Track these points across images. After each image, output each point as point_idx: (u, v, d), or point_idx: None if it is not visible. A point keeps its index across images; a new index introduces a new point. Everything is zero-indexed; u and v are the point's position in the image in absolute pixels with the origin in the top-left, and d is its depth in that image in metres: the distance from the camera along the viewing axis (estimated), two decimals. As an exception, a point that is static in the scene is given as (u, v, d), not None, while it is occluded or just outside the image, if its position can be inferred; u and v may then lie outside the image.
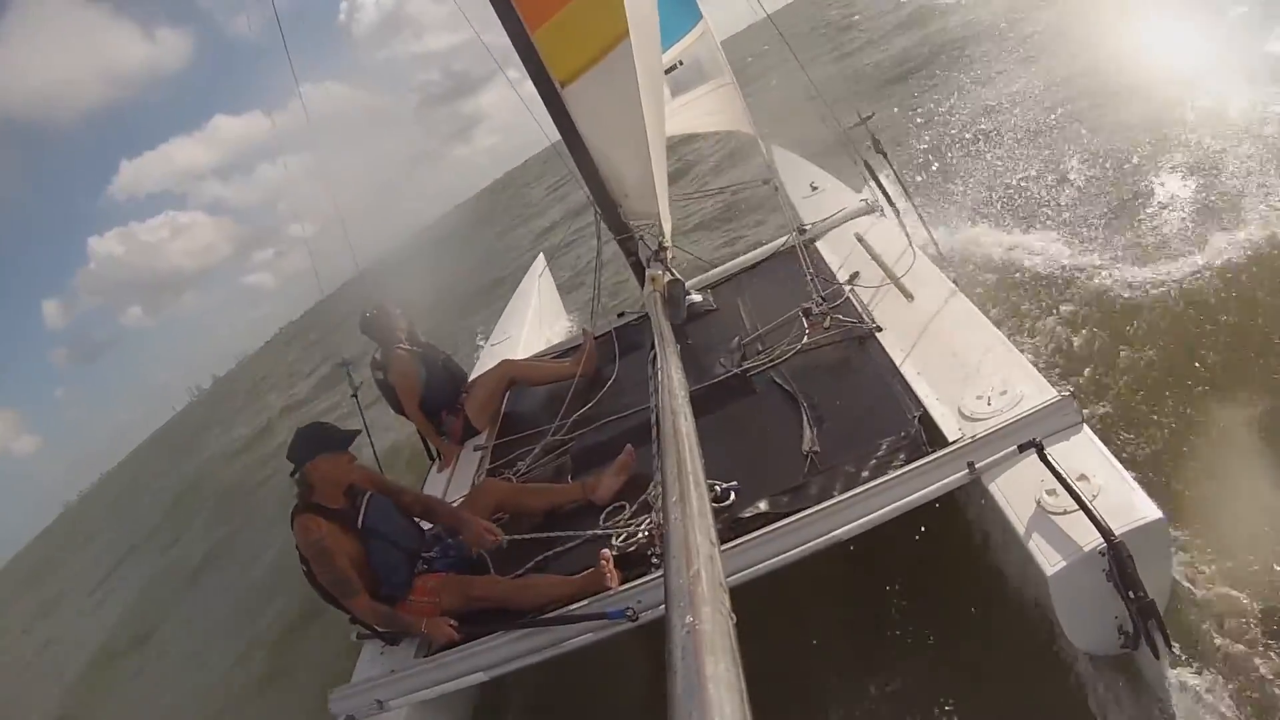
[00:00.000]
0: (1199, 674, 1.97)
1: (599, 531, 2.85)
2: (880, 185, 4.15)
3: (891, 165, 3.90)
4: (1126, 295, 3.40)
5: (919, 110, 8.37)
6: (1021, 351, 2.65)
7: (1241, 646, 2.01)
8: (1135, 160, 4.73)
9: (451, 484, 3.91)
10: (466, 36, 3.96)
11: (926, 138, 7.20)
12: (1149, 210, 4.12)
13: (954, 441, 2.35)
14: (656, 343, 3.09)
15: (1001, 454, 2.24)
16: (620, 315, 4.81)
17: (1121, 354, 3.19)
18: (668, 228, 3.92)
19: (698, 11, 4.68)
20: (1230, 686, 1.93)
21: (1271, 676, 1.93)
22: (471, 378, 4.56)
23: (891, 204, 4.12)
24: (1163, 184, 4.29)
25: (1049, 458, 2.08)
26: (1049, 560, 1.94)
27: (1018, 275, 4.06)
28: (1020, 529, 2.05)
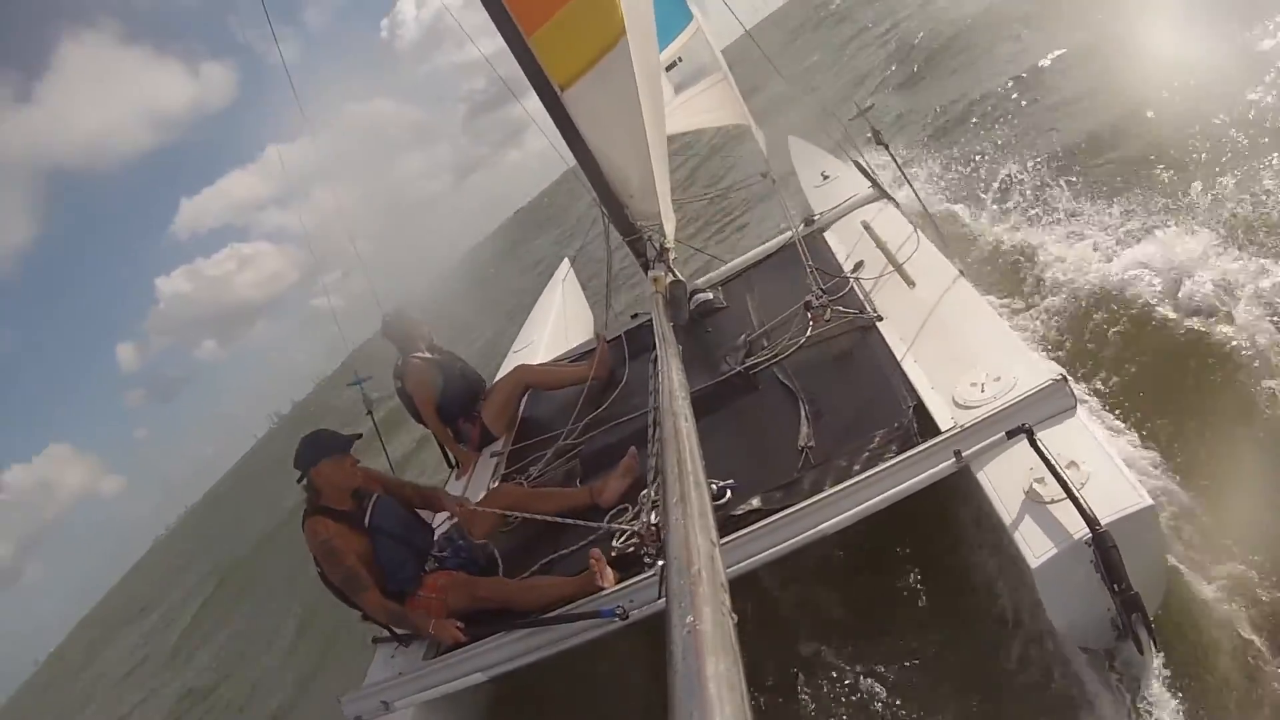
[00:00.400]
0: (1186, 668, 1.91)
1: (601, 531, 2.89)
2: (873, 177, 4.12)
3: (892, 154, 3.87)
4: (1128, 281, 3.36)
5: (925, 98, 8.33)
6: (1022, 336, 2.62)
7: (1232, 639, 1.95)
8: (1137, 146, 4.66)
9: (469, 490, 3.96)
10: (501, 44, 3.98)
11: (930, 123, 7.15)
12: (1148, 196, 4.07)
13: (944, 431, 2.32)
14: (657, 344, 3.11)
15: (988, 442, 2.20)
16: (634, 316, 4.83)
17: (1121, 341, 3.12)
18: (670, 228, 3.92)
19: (689, 10, 4.67)
20: (1218, 681, 1.88)
21: (1265, 669, 1.88)
22: (490, 384, 4.60)
23: (887, 195, 4.10)
24: (1163, 167, 4.23)
25: (1039, 443, 2.03)
26: (1034, 551, 1.90)
27: (1019, 261, 4.00)
28: (1008, 519, 2.01)
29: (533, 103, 4.04)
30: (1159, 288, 3.14)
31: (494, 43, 4.05)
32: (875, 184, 3.89)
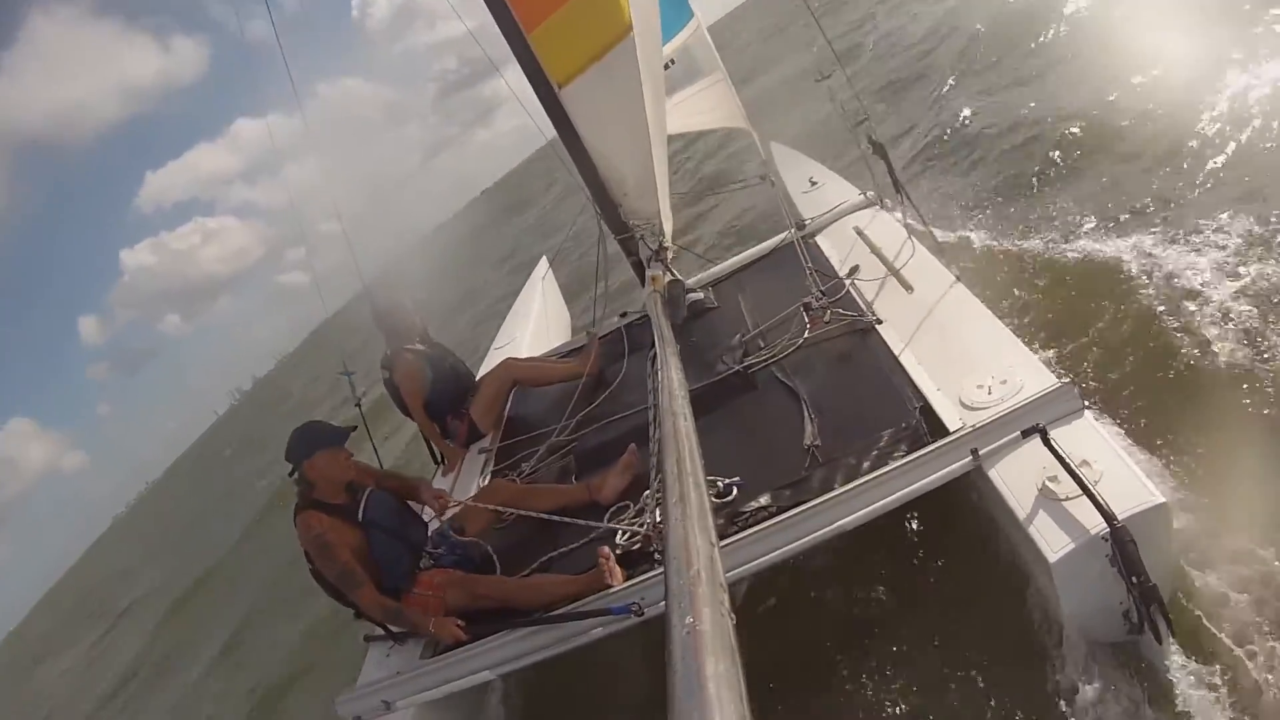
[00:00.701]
0: (1202, 660, 1.96)
1: (603, 528, 2.87)
2: (876, 179, 4.14)
3: (889, 160, 3.89)
4: (1131, 279, 3.40)
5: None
6: (1022, 339, 2.65)
7: (1245, 632, 2.01)
8: (1137, 141, 4.71)
9: (456, 487, 3.92)
10: (480, 20, 3.94)
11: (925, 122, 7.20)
12: (1150, 193, 4.11)
13: (954, 431, 2.36)
14: (656, 343, 3.10)
15: (1003, 440, 2.25)
16: (623, 315, 4.82)
17: (1124, 339, 3.19)
18: (668, 227, 3.93)
19: (689, 9, 4.67)
20: (1233, 672, 1.93)
21: (1275, 662, 1.93)
22: (477, 379, 4.56)
23: (897, 190, 4.11)
24: (1167, 167, 4.28)
25: (1053, 442, 2.09)
26: (1052, 546, 1.95)
27: (1019, 260, 4.05)
28: (1022, 516, 2.06)
29: (511, 75, 4.02)
30: (1160, 289, 3.20)
31: (469, 20, 4.02)
32: (897, 184, 3.91)
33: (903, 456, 2.40)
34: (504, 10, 3.81)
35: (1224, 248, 3.30)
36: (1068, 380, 2.29)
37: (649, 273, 3.93)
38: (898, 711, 2.32)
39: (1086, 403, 2.27)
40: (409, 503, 3.19)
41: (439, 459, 4.29)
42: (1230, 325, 2.91)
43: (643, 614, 2.37)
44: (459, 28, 3.86)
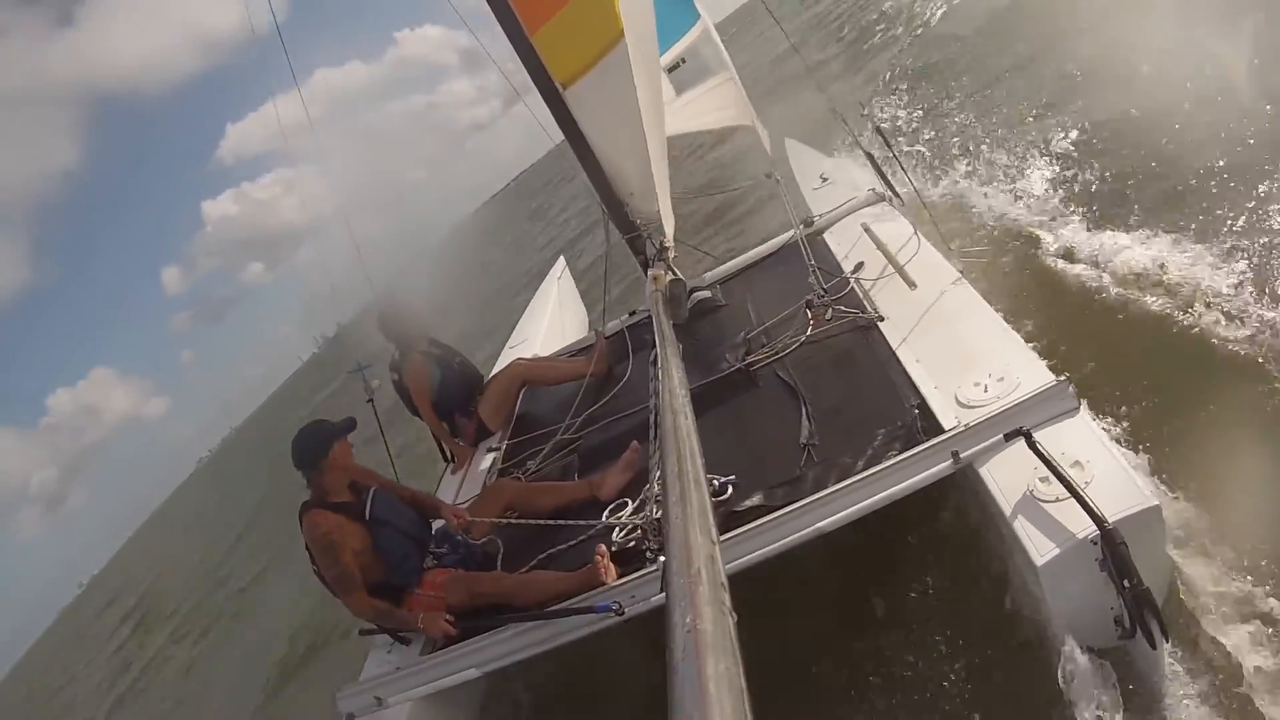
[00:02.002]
0: (1195, 664, 1.94)
1: (601, 526, 2.90)
2: (881, 175, 4.13)
3: (895, 154, 3.88)
4: (1132, 279, 3.37)
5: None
6: (1023, 337, 2.63)
7: (1239, 636, 1.97)
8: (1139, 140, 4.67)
9: (465, 485, 3.96)
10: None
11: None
12: (1153, 194, 4.07)
13: (948, 430, 2.34)
14: (657, 342, 3.12)
15: (989, 442, 2.22)
16: (631, 313, 4.83)
17: (1121, 338, 3.16)
18: (669, 227, 3.93)
19: (695, 10, 4.67)
20: (1226, 676, 1.90)
21: (1270, 666, 1.90)
22: (487, 379, 4.60)
23: (896, 194, 4.11)
24: (1173, 166, 4.24)
25: (1037, 445, 2.06)
26: (1039, 549, 1.92)
27: (1020, 259, 4.02)
28: (1012, 518, 2.04)
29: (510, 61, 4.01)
30: (1160, 290, 3.17)
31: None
32: (888, 183, 3.90)
33: (895, 455, 2.38)
34: (507, 11, 3.82)
35: (1226, 248, 3.27)
36: (1063, 378, 2.24)
37: (651, 272, 3.94)
38: (891, 711, 2.31)
39: (1081, 401, 2.23)
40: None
41: (448, 457, 4.36)
42: (1232, 327, 2.87)
43: (623, 613, 2.38)
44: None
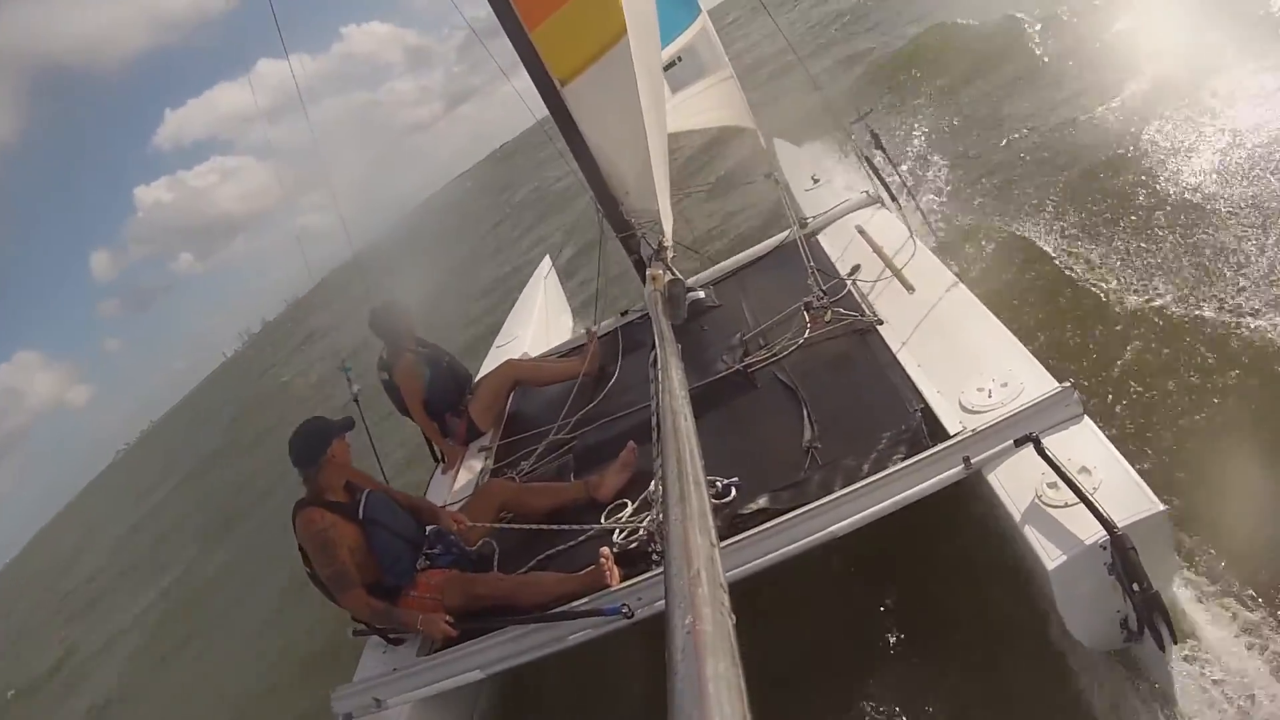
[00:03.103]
0: (1203, 666, 1.96)
1: (600, 528, 2.87)
2: (880, 178, 4.14)
3: (890, 159, 3.89)
4: (1135, 286, 3.39)
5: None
6: (1024, 342, 2.64)
7: (1246, 638, 2.00)
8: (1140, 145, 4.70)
9: (456, 485, 3.93)
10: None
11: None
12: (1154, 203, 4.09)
13: (952, 435, 2.34)
14: (656, 342, 3.10)
15: (999, 448, 2.23)
16: (623, 314, 4.81)
17: (1126, 344, 3.16)
18: (668, 226, 3.92)
19: (696, 5, 4.66)
20: (1234, 678, 1.92)
21: (1276, 669, 1.92)
22: (477, 379, 4.57)
23: (894, 198, 4.11)
24: (1170, 174, 4.26)
25: (1046, 451, 2.07)
26: (1049, 554, 1.93)
27: (1019, 264, 4.03)
28: (1020, 523, 2.04)
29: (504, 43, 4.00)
30: (1166, 294, 3.19)
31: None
32: (886, 186, 3.91)
33: (901, 460, 2.38)
34: (506, 7, 3.80)
35: (1230, 248, 3.29)
36: (1068, 384, 2.25)
37: (649, 271, 3.92)
38: (893, 714, 2.31)
39: (1086, 407, 2.24)
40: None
41: (439, 457, 4.32)
42: (1235, 329, 2.90)
43: (633, 615, 2.36)
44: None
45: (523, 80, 4.01)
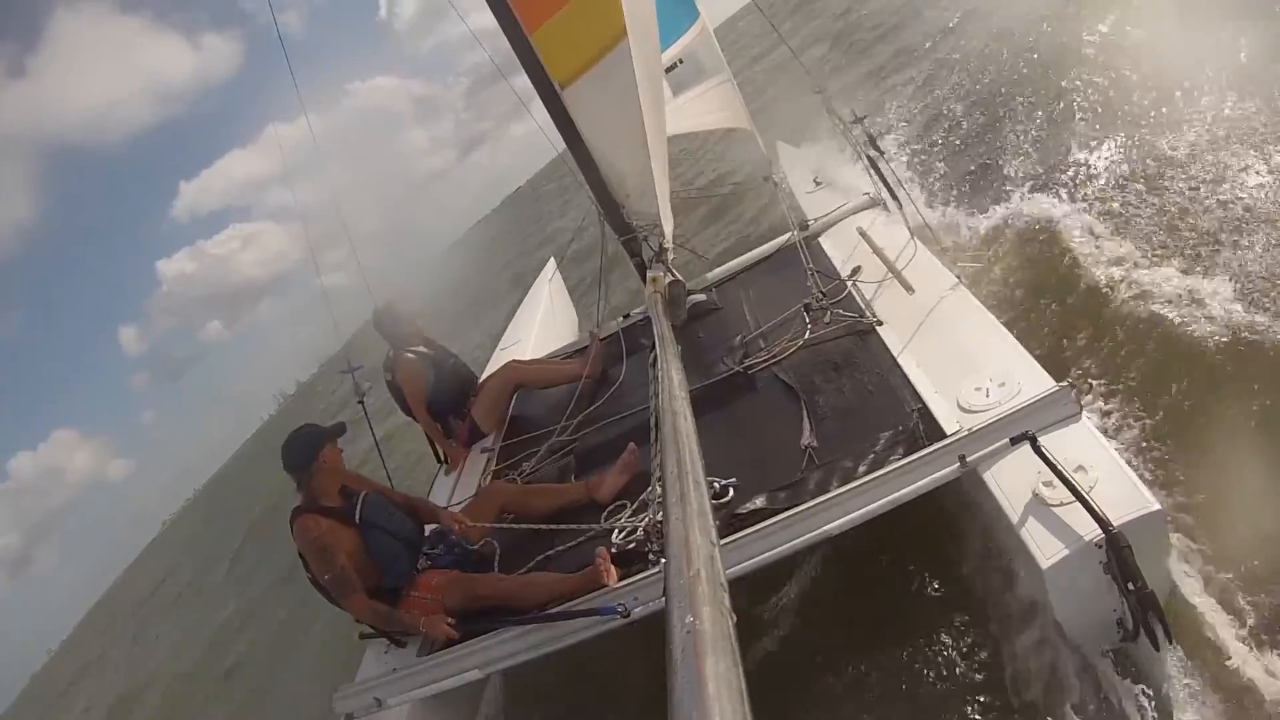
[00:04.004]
0: (1197, 666, 1.95)
1: (600, 529, 2.88)
2: (883, 179, 4.14)
3: (887, 161, 3.89)
4: (1134, 283, 3.38)
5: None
6: (1021, 341, 2.64)
7: (1242, 638, 1.99)
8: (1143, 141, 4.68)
9: (458, 486, 3.94)
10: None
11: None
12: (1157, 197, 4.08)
13: (950, 434, 2.35)
14: (656, 343, 3.11)
15: (994, 446, 2.23)
16: (626, 316, 4.82)
17: (1123, 343, 3.16)
18: (669, 229, 3.93)
19: (695, 9, 4.68)
20: (1229, 679, 1.92)
21: (1271, 670, 1.92)
22: (480, 380, 4.58)
23: (895, 197, 4.12)
24: (1167, 168, 4.25)
25: (1042, 450, 2.07)
26: (1045, 553, 1.93)
27: (1018, 263, 4.03)
28: (1016, 521, 2.04)
29: (523, 82, 4.03)
30: (1167, 292, 3.18)
31: (485, 18, 4.02)
32: (886, 185, 3.90)
33: (898, 460, 2.38)
34: (505, 10, 3.81)
35: (1232, 246, 3.28)
36: (1065, 384, 2.25)
37: (650, 273, 3.93)
38: (892, 713, 2.31)
39: (1083, 405, 2.25)
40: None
41: (442, 458, 4.33)
42: (1236, 329, 2.89)
43: (629, 615, 2.38)
44: (490, 19, 3.85)
45: (540, 114, 4.03)
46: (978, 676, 2.25)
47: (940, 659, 2.35)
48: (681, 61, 4.59)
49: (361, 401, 4.14)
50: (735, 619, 1.05)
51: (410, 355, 4.19)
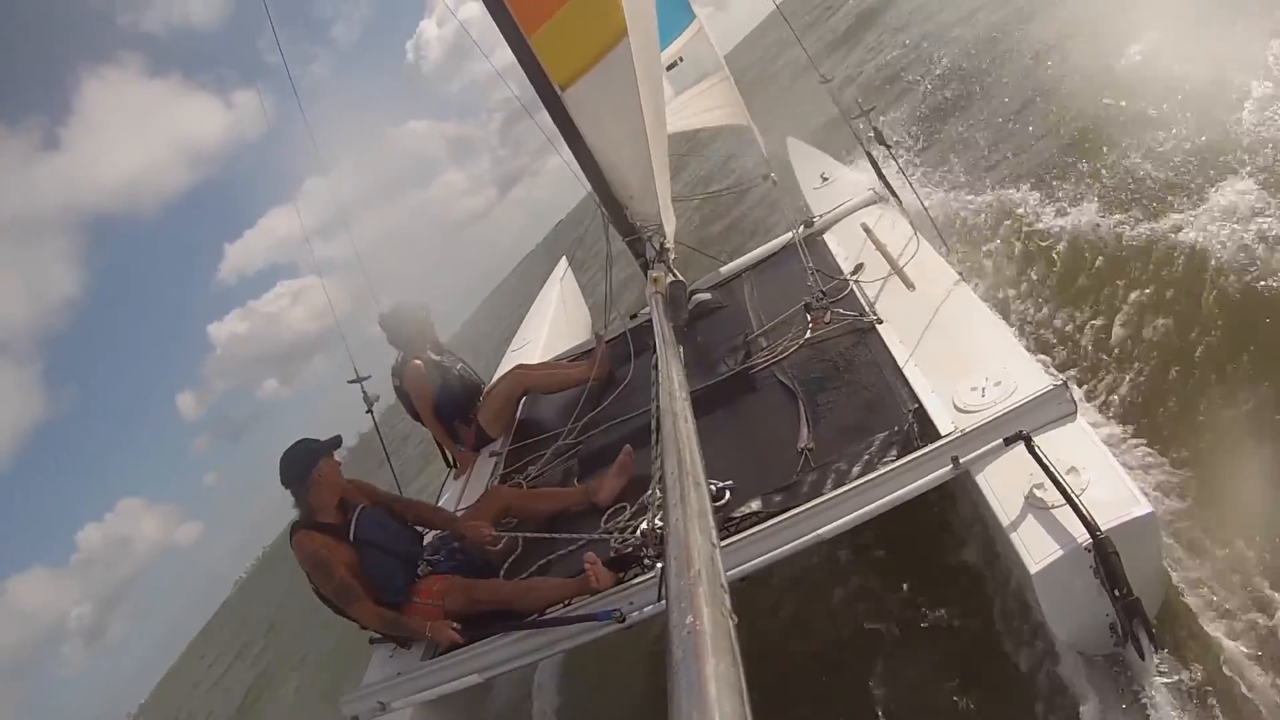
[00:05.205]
0: (1187, 674, 1.90)
1: (599, 534, 2.89)
2: (883, 176, 4.13)
3: (894, 157, 3.87)
4: (1137, 278, 3.34)
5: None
6: (1021, 338, 2.61)
7: (1233, 646, 1.95)
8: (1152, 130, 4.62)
9: (467, 490, 3.96)
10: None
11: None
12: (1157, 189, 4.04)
13: (944, 435, 2.32)
14: (657, 344, 3.11)
15: (987, 447, 2.20)
16: (632, 317, 4.82)
17: (1124, 342, 3.11)
18: (670, 229, 3.92)
19: (690, 10, 4.68)
20: (1219, 687, 1.87)
21: (1263, 679, 1.87)
22: (489, 383, 4.59)
23: (895, 195, 4.10)
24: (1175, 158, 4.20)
25: (1037, 450, 2.03)
26: (1034, 556, 1.91)
27: (1020, 258, 3.99)
28: (1007, 524, 2.02)
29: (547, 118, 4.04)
30: (1169, 288, 3.13)
31: (509, 55, 4.03)
32: (886, 182, 3.89)
33: (892, 461, 2.36)
34: (504, 13, 3.82)
35: (1233, 246, 3.24)
36: (1060, 382, 2.21)
37: (650, 274, 3.93)
38: (890, 713, 2.30)
39: (1080, 404, 2.21)
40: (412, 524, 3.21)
41: (451, 462, 4.35)
42: (1236, 330, 2.84)
43: (624, 620, 2.38)
44: (504, 59, 3.87)
45: (567, 152, 4.03)
46: (970, 678, 2.23)
47: (933, 661, 2.34)
48: (681, 60, 4.59)
49: (370, 411, 4.17)
50: (736, 620, 1.04)
51: (417, 361, 4.22)
